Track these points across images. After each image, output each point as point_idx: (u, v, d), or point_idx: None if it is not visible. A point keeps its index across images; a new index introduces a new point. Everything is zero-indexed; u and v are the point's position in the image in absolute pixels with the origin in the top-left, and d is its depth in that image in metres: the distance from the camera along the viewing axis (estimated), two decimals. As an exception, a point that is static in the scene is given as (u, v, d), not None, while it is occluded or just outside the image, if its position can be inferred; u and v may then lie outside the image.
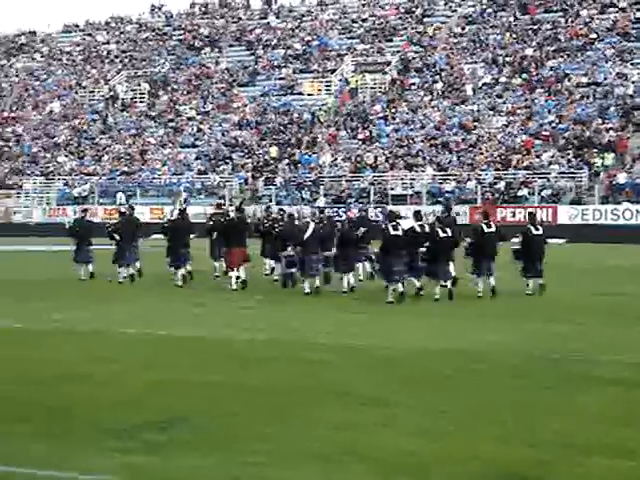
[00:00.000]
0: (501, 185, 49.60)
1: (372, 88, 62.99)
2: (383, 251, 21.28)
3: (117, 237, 25.61)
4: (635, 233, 43.00)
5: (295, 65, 67.78)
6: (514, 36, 62.88)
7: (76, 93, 73.17)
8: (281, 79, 66.73)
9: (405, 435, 9.54)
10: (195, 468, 8.43)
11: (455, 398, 11.25)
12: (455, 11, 68.98)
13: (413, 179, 52.18)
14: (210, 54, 72.90)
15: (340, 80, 64.19)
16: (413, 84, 61.74)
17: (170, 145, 62.79)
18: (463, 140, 54.05)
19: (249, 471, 8.37)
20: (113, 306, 20.49)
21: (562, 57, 59.24)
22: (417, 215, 22.75)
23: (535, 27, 63.18)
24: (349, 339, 15.76)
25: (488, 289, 21.78)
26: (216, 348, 14.86)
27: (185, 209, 27.67)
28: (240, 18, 76.97)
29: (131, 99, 70.42)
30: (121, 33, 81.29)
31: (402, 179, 52.54)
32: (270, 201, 51.65)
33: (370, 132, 57.51)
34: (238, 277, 23.69)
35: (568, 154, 49.94)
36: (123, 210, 28.08)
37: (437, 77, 61.29)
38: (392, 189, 51.80)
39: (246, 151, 59.46)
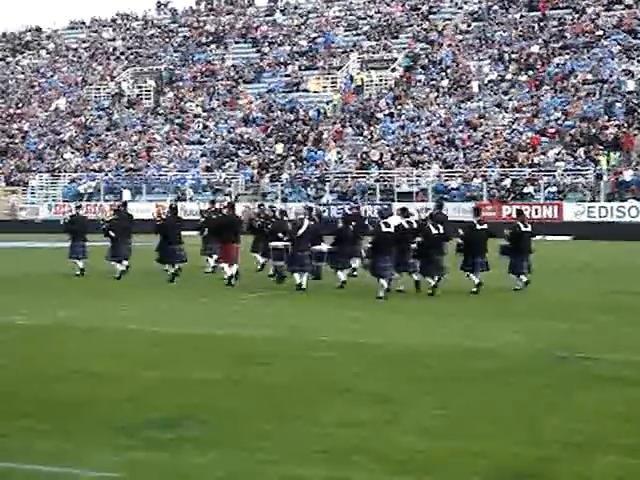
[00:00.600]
0: (507, 182, 49.56)
1: (378, 85, 62.94)
2: (374, 247, 21.52)
3: (112, 234, 25.80)
4: (641, 230, 42.94)
5: (301, 62, 67.78)
6: (520, 33, 62.77)
7: (82, 90, 73.21)
8: (287, 76, 66.72)
9: (409, 432, 9.52)
10: (200, 465, 8.43)
11: (457, 395, 11.24)
12: (461, 8, 68.92)
13: (419, 176, 52.16)
14: (216, 51, 72.92)
15: (345, 77, 64.11)
16: (419, 81, 61.69)
17: (176, 142, 62.79)
18: (469, 137, 54.01)
19: (254, 468, 8.37)
20: (116, 303, 20.49)
21: (568, 54, 59.16)
22: (404, 212, 23.09)
23: (541, 24, 63.08)
24: (350, 336, 15.75)
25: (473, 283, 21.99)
26: (219, 345, 14.86)
27: (176, 207, 27.77)
28: (246, 15, 76.96)
29: (137, 96, 70.45)
30: (127, 30, 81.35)
31: (408, 176, 52.50)
32: (276, 198, 51.71)
33: (370, 129, 57.45)
34: (234, 275, 23.87)
35: (574, 151, 49.86)
36: (117, 207, 28.42)
37: (443, 74, 61.22)
38: (398, 186, 51.78)
39: (252, 148, 59.46)
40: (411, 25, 68.29)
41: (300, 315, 18.72)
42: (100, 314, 18.72)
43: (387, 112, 59.15)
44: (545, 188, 48.22)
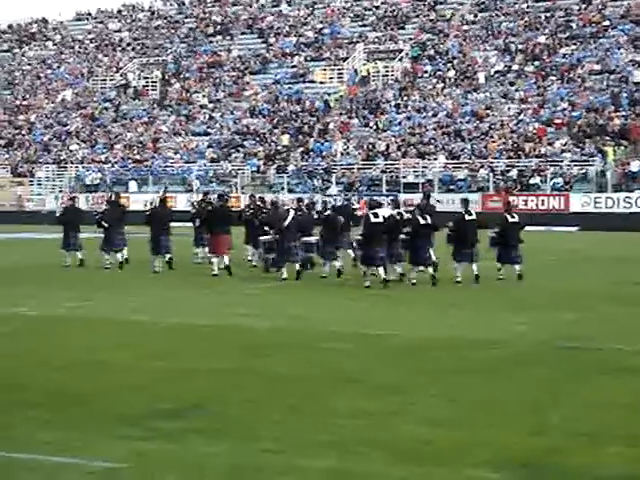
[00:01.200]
0: (513, 173, 49.49)
1: (384, 76, 62.86)
2: (364, 238, 21.80)
3: (105, 224, 25.96)
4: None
5: (307, 53, 67.69)
6: (527, 23, 62.63)
7: (88, 81, 73.23)
8: (293, 67, 66.66)
9: (417, 423, 9.53)
10: (208, 455, 8.44)
11: (465, 386, 11.24)
12: (467, -2, 68.74)
13: (425, 167, 52.10)
14: (222, 42, 72.84)
15: (349, 70, 64.02)
16: (425, 72, 61.60)
17: (182, 133, 62.78)
18: (475, 128, 53.93)
19: (264, 458, 8.38)
20: (122, 294, 20.53)
21: (575, 44, 59.05)
22: (394, 202, 23.81)
23: (548, 14, 62.92)
24: (359, 327, 15.76)
25: (472, 275, 22.14)
26: (227, 336, 14.88)
27: (165, 198, 27.97)
28: (252, 6, 76.86)
29: (143, 87, 70.43)
30: (133, 21, 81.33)
31: (414, 167, 52.45)
32: (282, 189, 51.71)
33: (376, 120, 57.39)
34: (227, 266, 24.01)
35: (583, 142, 49.76)
36: (109, 198, 28.71)
37: (449, 65, 61.12)
38: (404, 177, 51.73)
39: (258, 139, 59.43)
40: (417, 16, 68.16)
41: (307, 306, 18.73)
42: (107, 305, 18.75)
43: (393, 103, 59.09)
44: (552, 179, 48.15)
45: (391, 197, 26.99)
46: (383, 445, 8.75)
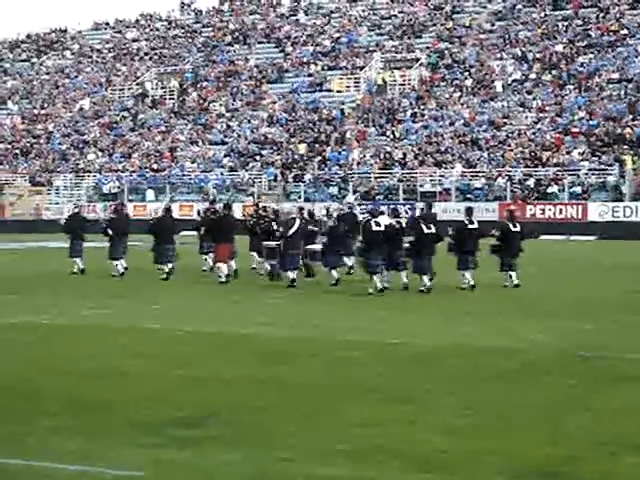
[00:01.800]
0: (531, 182, 49.40)
1: (401, 85, 62.87)
2: (365, 246, 22.14)
3: (110, 233, 26.37)
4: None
5: (324, 62, 67.79)
6: (544, 32, 62.56)
7: (106, 90, 73.53)
8: (310, 76, 66.79)
9: (433, 432, 9.52)
10: (225, 463, 8.45)
11: (481, 395, 11.22)
12: (485, 7, 68.74)
13: (442, 176, 52.07)
14: (239, 51, 73.04)
15: (365, 80, 64.08)
16: (442, 80, 61.59)
17: (199, 142, 62.95)
18: (493, 137, 53.88)
19: (279, 467, 8.39)
20: (141, 302, 20.60)
21: (593, 53, 58.93)
22: (395, 212, 24.08)
23: (566, 23, 62.84)
24: (374, 336, 15.75)
25: (468, 283, 22.48)
26: (244, 344, 14.90)
27: (170, 207, 28.35)
28: (269, 15, 77.07)
29: (160, 96, 70.67)
30: (151, 30, 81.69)
31: (431, 176, 52.42)
32: (299, 198, 51.75)
33: (393, 128, 57.38)
34: (229, 274, 24.40)
35: (604, 151, 49.61)
36: (115, 206, 29.32)
37: (467, 73, 61.10)
38: (421, 186, 51.71)
39: (275, 148, 59.53)
40: (434, 25, 68.18)
41: (323, 315, 18.74)
42: (126, 313, 18.81)
43: (410, 112, 59.09)
44: (569, 188, 48.03)
45: (391, 206, 27.56)
46: (398, 454, 8.75)
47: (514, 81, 58.99)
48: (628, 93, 53.83)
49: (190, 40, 77.41)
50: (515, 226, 23.60)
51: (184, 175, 59.51)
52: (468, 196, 50.16)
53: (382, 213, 23.82)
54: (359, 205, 43.96)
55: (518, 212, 47.58)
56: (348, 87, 64.68)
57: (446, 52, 64.11)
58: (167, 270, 25.34)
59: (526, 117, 54.97)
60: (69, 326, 17.01)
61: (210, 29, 77.90)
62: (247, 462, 8.51)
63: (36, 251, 30.85)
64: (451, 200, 49.72)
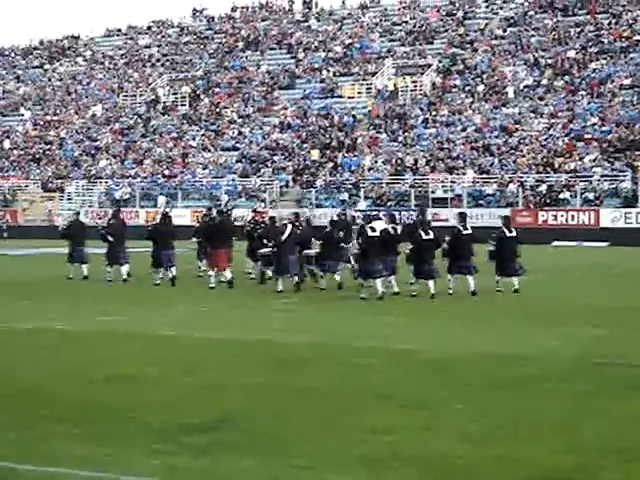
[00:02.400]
0: (543, 188, 49.31)
1: (413, 90, 62.87)
2: (362, 251, 22.36)
3: (110, 238, 26.81)
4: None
5: (336, 68, 67.82)
6: (556, 38, 62.49)
7: (118, 97, 73.69)
8: (321, 82, 66.81)
9: (447, 438, 9.49)
10: (240, 470, 8.44)
11: (495, 402, 11.19)
12: (496, 13, 68.69)
13: (454, 182, 51.99)
14: (251, 57, 73.14)
15: (376, 86, 64.07)
16: (454, 86, 61.56)
17: (211, 148, 63.02)
18: (504, 143, 53.79)
19: (294, 474, 8.37)
20: (151, 309, 20.62)
21: (605, 59, 58.80)
22: (392, 218, 24.36)
23: (578, 29, 62.76)
24: (387, 342, 15.74)
25: (468, 289, 22.59)
26: (257, 350, 14.89)
27: (168, 213, 28.62)
28: (281, 21, 77.17)
29: (172, 102, 70.79)
30: (163, 37, 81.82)
31: (443, 182, 52.36)
32: (310, 204, 51.73)
33: (404, 134, 57.36)
34: (231, 280, 24.57)
35: (616, 157, 49.49)
36: (113, 212, 29.98)
37: (478, 79, 61.06)
38: (433, 192, 51.65)
39: (287, 154, 59.56)
40: (446, 31, 68.16)
41: (336, 321, 18.73)
42: (138, 320, 18.83)
43: (422, 118, 59.06)
44: (582, 194, 47.93)
45: (388, 212, 28.07)
46: (413, 460, 8.72)
47: (526, 87, 58.91)
48: (640, 99, 53.73)
49: (202, 46, 77.55)
50: (511, 232, 23.82)
51: (196, 181, 59.58)
52: (480, 202, 50.09)
53: (378, 218, 24.02)
54: (359, 211, 43.90)
55: (529, 218, 47.69)
56: (360, 93, 64.69)
57: (458, 58, 64.06)
58: (170, 276, 25.53)
59: (538, 123, 54.87)
60: (83, 332, 17.04)
61: (222, 35, 78.03)
62: (262, 469, 8.50)
63: (49, 256, 30.92)
64: (463, 206, 49.64)
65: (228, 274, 24.71)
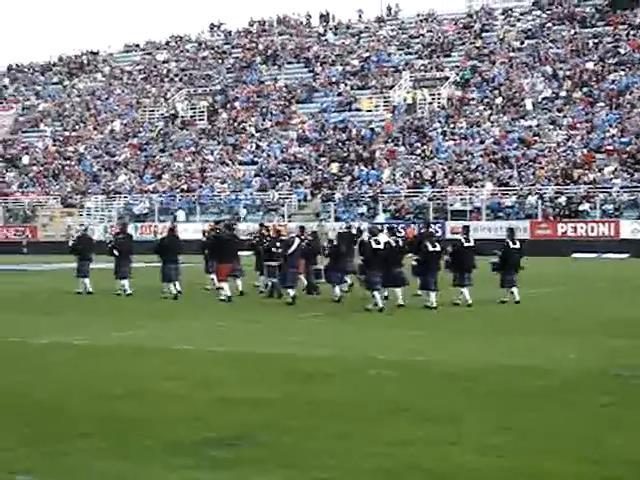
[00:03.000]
0: (562, 200, 49.14)
1: (430, 103, 62.83)
2: (366, 263, 22.75)
3: (116, 253, 27.35)
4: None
5: (353, 81, 67.90)
6: (574, 49, 62.36)
7: (136, 112, 73.95)
8: (339, 95, 66.87)
9: (467, 451, 9.43)
10: (258, 484, 8.41)
11: (517, 414, 11.11)
12: (514, 25, 68.63)
13: (472, 194, 51.89)
14: (269, 71, 73.31)
15: (397, 98, 64.07)
16: (472, 99, 61.49)
17: (229, 162, 63.14)
18: (523, 155, 53.67)
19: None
20: (170, 323, 20.63)
21: (624, 70, 58.63)
22: (391, 230, 24.84)
23: (596, 40, 62.61)
24: (405, 354, 15.69)
25: (464, 299, 23.04)
26: (275, 364, 14.84)
27: (174, 228, 29.04)
28: (298, 36, 77.34)
29: (191, 117, 71.01)
30: (181, 52, 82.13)
31: (461, 194, 52.26)
32: (329, 217, 51.73)
33: (423, 147, 57.30)
34: (231, 295, 24.79)
35: (636, 169, 49.27)
36: (119, 227, 30.83)
37: (496, 92, 60.98)
38: (451, 205, 51.56)
39: (305, 167, 59.62)
40: (463, 43, 68.15)
41: (352, 333, 18.71)
42: (156, 334, 18.83)
43: (440, 130, 59.02)
44: (601, 205, 47.73)
45: (388, 225, 28.96)
46: (433, 473, 8.67)
47: (544, 99, 58.81)
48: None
49: (220, 61, 77.79)
50: (515, 243, 24.18)
51: (214, 195, 59.70)
52: (499, 214, 49.96)
53: (381, 231, 24.27)
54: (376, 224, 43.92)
55: (548, 230, 47.53)
56: (377, 106, 64.72)
57: (477, 70, 64.01)
58: (174, 291, 25.87)
59: (557, 135, 54.74)
60: (101, 347, 17.04)
61: (239, 50, 78.27)
62: (282, 483, 8.46)
63: (66, 272, 31.00)
64: (482, 219, 49.54)
65: (239, 284, 25.11)
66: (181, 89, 74.65)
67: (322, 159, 59.78)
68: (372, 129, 61.06)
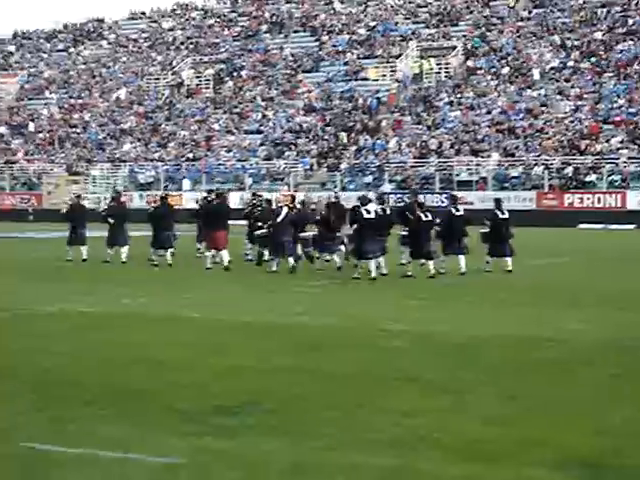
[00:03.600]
0: (569, 170, 48.99)
1: (437, 73, 62.54)
2: (357, 233, 22.87)
3: (110, 220, 27.82)
4: None
5: (360, 50, 67.56)
6: (582, 19, 61.96)
7: (142, 80, 73.72)
8: (346, 65, 66.56)
9: (475, 421, 9.42)
10: (265, 452, 8.40)
11: (524, 385, 11.10)
12: (522, -6, 68.14)
13: (479, 165, 51.75)
14: (275, 40, 72.96)
15: (403, 68, 63.76)
16: (479, 69, 61.19)
17: (235, 131, 62.99)
18: (530, 125, 53.46)
19: (319, 456, 8.32)
20: (175, 292, 20.62)
21: (632, 40, 58.24)
22: (380, 199, 25.15)
23: (605, 9, 62.18)
24: (413, 325, 15.67)
25: (458, 268, 23.30)
26: (282, 333, 14.84)
27: (167, 196, 29.58)
28: (304, 4, 76.90)
29: (196, 85, 70.77)
30: (186, 20, 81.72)
31: (467, 165, 52.13)
32: (335, 187, 51.64)
33: (429, 117, 57.10)
34: (228, 264, 24.98)
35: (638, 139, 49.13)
36: (113, 195, 31.36)
37: (504, 61, 60.66)
38: (457, 175, 51.44)
39: (311, 137, 59.45)
40: (471, 12, 67.73)
41: (358, 304, 18.69)
42: (161, 302, 18.83)
43: (446, 100, 58.77)
44: (608, 176, 47.59)
45: (376, 193, 29.90)
46: (441, 443, 8.65)
47: (552, 69, 58.49)
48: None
49: (226, 29, 77.42)
50: (503, 213, 24.53)
51: (220, 164, 59.59)
52: (505, 185, 49.84)
53: (370, 201, 24.28)
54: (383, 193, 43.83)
55: (555, 201, 47.43)
56: (384, 76, 64.42)
57: (483, 40, 63.66)
58: (169, 259, 26.23)
59: (564, 105, 54.48)
60: (106, 314, 17.05)
61: (246, 18, 77.87)
62: (287, 451, 8.46)
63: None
64: (488, 189, 49.42)
65: (226, 256, 25.15)
66: (187, 57, 74.36)
67: (328, 129, 59.59)
68: (378, 99, 60.81)
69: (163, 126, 66.48)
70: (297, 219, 25.32)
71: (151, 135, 65.74)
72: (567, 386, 11.04)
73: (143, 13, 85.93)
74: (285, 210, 25.00)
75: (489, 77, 59.91)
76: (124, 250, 27.35)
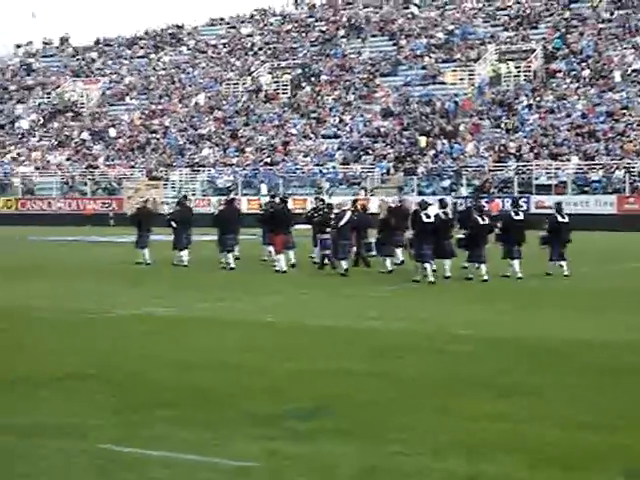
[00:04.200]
0: (650, 174, 48.16)
1: (516, 76, 61.96)
2: (417, 236, 23.09)
3: (174, 225, 28.29)
4: None
5: (437, 54, 67.24)
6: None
7: (220, 85, 74.32)
8: (423, 69, 66.31)
9: (551, 426, 9.31)
10: (339, 456, 8.41)
11: (602, 390, 10.95)
12: (603, -4, 67.16)
13: (558, 168, 51.12)
14: (352, 44, 72.99)
15: (482, 71, 63.30)
16: (559, 71, 60.47)
17: (312, 136, 63.14)
18: (611, 128, 52.65)
19: (392, 460, 8.31)
20: (252, 296, 20.77)
21: None
22: (441, 203, 25.05)
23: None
24: (484, 329, 15.59)
25: (514, 272, 23.47)
26: (355, 338, 14.87)
27: (234, 199, 30.70)
28: (382, 8, 76.80)
29: (274, 90, 71.13)
30: (265, 25, 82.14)
31: (547, 168, 51.55)
32: (412, 191, 51.46)
33: (508, 121, 56.57)
34: (290, 261, 26.20)
35: None
36: (179, 200, 31.70)
37: (584, 64, 59.85)
38: (536, 179, 50.90)
39: (388, 141, 59.33)
40: (551, 14, 66.96)
41: (430, 308, 18.68)
42: (238, 306, 18.99)
43: (526, 103, 58.20)
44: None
45: (440, 197, 29.89)
46: (515, 448, 8.57)
47: (634, 71, 57.54)
48: None
49: (303, 34, 77.69)
50: (563, 217, 24.59)
51: (297, 169, 59.79)
52: (585, 189, 49.17)
53: (430, 205, 24.50)
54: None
55: (636, 205, 46.62)
56: (462, 79, 64.03)
57: (563, 42, 62.89)
58: (232, 263, 26.50)
59: (646, 108, 53.57)
60: (182, 318, 17.24)
61: (323, 23, 78.02)
62: (361, 455, 8.46)
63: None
64: (567, 193, 48.81)
65: (291, 256, 26.03)
66: (265, 62, 74.78)
67: (405, 133, 59.41)
68: (456, 102, 60.47)
69: (241, 131, 66.92)
70: (359, 223, 25.74)
71: (229, 140, 66.23)
72: (645, 393, 10.85)
73: (222, 19, 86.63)
74: (349, 214, 25.37)
75: (569, 80, 59.16)
76: (184, 253, 27.68)
